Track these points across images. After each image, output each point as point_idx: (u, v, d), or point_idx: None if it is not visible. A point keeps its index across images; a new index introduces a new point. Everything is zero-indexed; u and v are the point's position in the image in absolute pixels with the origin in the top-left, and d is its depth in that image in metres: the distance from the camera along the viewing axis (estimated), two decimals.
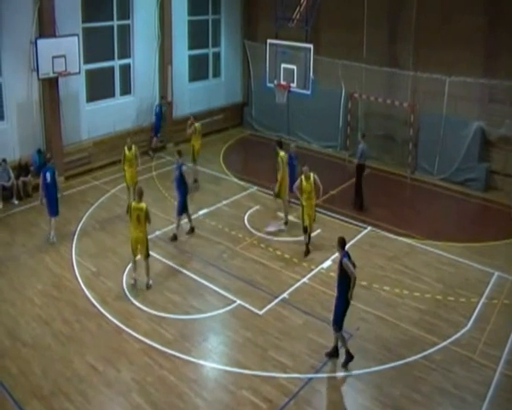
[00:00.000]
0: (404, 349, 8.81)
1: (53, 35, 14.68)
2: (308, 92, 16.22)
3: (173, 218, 12.54)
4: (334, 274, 10.84)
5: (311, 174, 11.64)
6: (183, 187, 12.02)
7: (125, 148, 13.47)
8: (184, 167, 12.13)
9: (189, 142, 15.63)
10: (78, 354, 8.55)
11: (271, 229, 12.80)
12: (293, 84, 16.41)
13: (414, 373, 8.33)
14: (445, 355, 8.71)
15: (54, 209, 11.89)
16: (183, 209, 12.17)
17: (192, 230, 12.47)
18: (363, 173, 14.06)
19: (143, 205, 10.07)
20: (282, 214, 13.35)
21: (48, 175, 11.71)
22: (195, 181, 15.11)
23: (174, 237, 12.17)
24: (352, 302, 9.92)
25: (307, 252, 11.71)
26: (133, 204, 10.13)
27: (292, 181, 12.46)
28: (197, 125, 15.50)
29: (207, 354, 8.73)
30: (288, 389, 7.94)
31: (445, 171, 16.02)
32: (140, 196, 10.13)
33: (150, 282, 10.45)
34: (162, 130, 18.02)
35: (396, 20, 16.81)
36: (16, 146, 14.66)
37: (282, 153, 13.05)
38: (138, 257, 10.46)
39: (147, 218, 10.12)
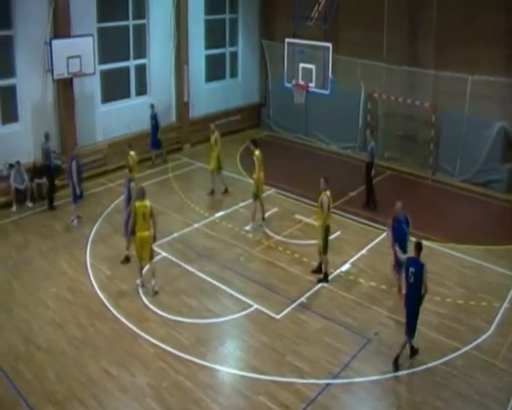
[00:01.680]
0: (424, 355, 8.75)
1: (68, 35, 14.84)
2: (327, 92, 16.19)
3: (190, 220, 12.61)
4: (353, 277, 10.96)
5: (323, 192, 10.66)
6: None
7: (131, 152, 13.43)
8: (132, 184, 11.46)
9: (210, 149, 15.01)
10: (92, 359, 8.65)
11: (249, 228, 12.80)
12: (312, 84, 16.41)
13: (435, 379, 8.28)
14: (466, 361, 8.65)
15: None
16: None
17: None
18: (373, 171, 14.03)
19: (147, 203, 10.17)
20: (299, 217, 13.34)
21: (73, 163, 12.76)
22: (226, 190, 14.91)
23: (126, 259, 11.41)
24: (370, 306, 10.04)
25: (316, 271, 11.15)
26: (137, 203, 10.17)
27: (402, 248, 9.99)
28: (217, 133, 14.98)
29: (223, 359, 8.77)
30: (305, 395, 7.94)
31: (467, 172, 15.86)
32: (143, 194, 10.25)
33: (156, 288, 10.39)
34: (159, 142, 17.15)
35: (416, 17, 16.69)
36: (31, 148, 14.82)
37: (257, 152, 12.89)
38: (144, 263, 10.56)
39: (151, 216, 10.18)
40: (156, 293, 10.35)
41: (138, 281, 10.58)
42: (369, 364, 8.59)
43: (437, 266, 11.43)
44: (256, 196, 12.93)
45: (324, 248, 10.66)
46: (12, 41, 14.34)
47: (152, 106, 17.02)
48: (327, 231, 10.63)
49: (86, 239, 12.46)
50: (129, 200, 11.36)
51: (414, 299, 8.41)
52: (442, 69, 15.83)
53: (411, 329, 8.46)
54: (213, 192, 14.86)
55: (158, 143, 17.00)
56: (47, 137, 14.03)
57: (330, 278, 10.93)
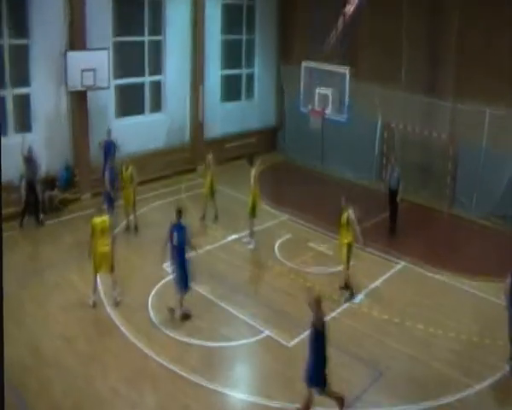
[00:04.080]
0: (437, 391, 8.88)
1: (83, 48, 15.19)
2: (343, 119, 16.54)
3: (202, 241, 12.85)
4: (367, 309, 11.18)
5: (346, 210, 11.28)
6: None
7: (123, 168, 13.98)
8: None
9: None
10: (100, 375, 8.86)
11: (252, 246, 13.30)
12: (328, 111, 16.71)
13: None
14: (481, 399, 8.77)
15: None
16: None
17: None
18: (399, 197, 14.65)
19: (105, 218, 10.73)
20: (313, 244, 13.63)
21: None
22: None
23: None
24: (382, 339, 10.23)
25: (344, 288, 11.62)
26: (95, 219, 10.65)
27: None
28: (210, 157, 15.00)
29: (233, 384, 8.95)
30: None
31: (484, 206, 16.06)
32: (100, 211, 10.96)
33: (118, 298, 10.89)
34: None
35: (436, 45, 16.98)
36: (43, 159, 15.07)
37: (252, 170, 13.25)
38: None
39: (109, 230, 10.75)
40: (118, 303, 10.79)
41: (92, 299, 10.78)
42: (381, 397, 8.74)
43: (451, 300, 11.69)
44: (253, 214, 13.29)
45: (348, 262, 11.36)
46: (28, 50, 14.74)
47: (109, 130, 15.72)
48: (350, 247, 11.28)
49: None
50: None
51: None
52: (460, 100, 16.06)
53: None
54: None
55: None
56: (30, 151, 13.85)
57: (342, 309, 11.13)
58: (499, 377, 9.27)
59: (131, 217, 14.14)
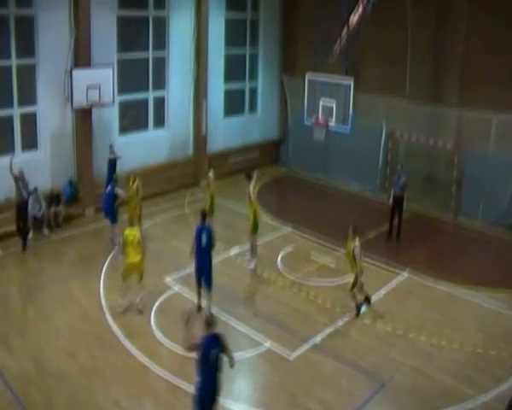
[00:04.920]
0: (440, 403, 8.90)
1: (88, 65, 15.46)
2: (347, 129, 16.66)
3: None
4: (369, 321, 11.24)
5: (351, 242, 11.14)
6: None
7: (130, 181, 14.45)
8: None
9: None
10: (102, 388, 8.97)
11: (252, 266, 13.19)
12: (332, 121, 16.84)
13: None
14: None
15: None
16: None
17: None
18: (404, 204, 14.78)
19: (136, 231, 11.13)
20: (316, 257, 13.71)
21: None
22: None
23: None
24: (385, 351, 10.27)
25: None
26: (127, 231, 11.07)
27: None
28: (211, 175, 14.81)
29: (234, 397, 9.01)
30: None
31: (491, 215, 16.10)
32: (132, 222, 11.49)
33: (140, 305, 11.22)
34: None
35: (440, 54, 17.14)
36: (48, 176, 15.44)
37: (250, 186, 13.17)
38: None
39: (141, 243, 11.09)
40: (141, 312, 11.12)
41: (125, 302, 11.16)
42: (384, 409, 8.79)
43: (456, 311, 11.72)
44: (255, 230, 13.17)
45: (353, 285, 11.25)
46: (34, 70, 15.05)
47: (111, 147, 16.09)
48: (357, 276, 11.16)
49: (100, 269, 12.91)
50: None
51: None
52: (466, 108, 16.11)
53: None
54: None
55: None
56: (21, 171, 13.61)
57: (344, 321, 11.20)
58: (504, 389, 9.25)
59: None
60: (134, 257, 11.03)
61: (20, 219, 13.69)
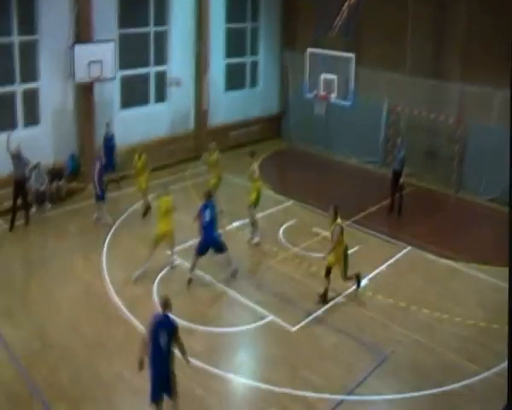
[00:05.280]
0: (442, 377, 8.78)
1: (90, 40, 15.25)
2: (349, 103, 16.42)
3: None
4: (371, 294, 11.08)
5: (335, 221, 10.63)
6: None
7: (136, 156, 14.22)
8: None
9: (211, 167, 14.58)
10: (105, 361, 8.89)
11: (256, 240, 12.99)
12: (333, 95, 16.60)
13: (453, 402, 8.31)
14: (487, 386, 8.62)
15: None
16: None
17: None
18: (402, 179, 14.52)
19: (170, 198, 11.46)
20: (318, 230, 13.50)
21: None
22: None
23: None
24: (387, 323, 10.13)
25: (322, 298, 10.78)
26: (161, 198, 11.44)
27: None
28: (218, 153, 14.47)
29: (236, 369, 8.94)
30: None
31: (493, 190, 15.83)
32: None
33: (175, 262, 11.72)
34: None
35: (443, 28, 16.78)
36: (50, 150, 15.29)
37: (254, 164, 13.02)
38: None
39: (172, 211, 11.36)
40: (175, 267, 11.56)
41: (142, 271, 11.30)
42: (385, 382, 8.66)
43: (458, 285, 11.56)
44: (256, 204, 13.00)
45: (345, 271, 10.72)
46: (36, 46, 14.84)
47: (108, 125, 15.97)
48: (345, 258, 10.69)
49: (102, 243, 12.77)
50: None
51: None
52: (468, 82, 15.84)
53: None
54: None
55: (114, 165, 15.84)
56: (18, 149, 13.15)
57: (347, 293, 11.07)
58: (506, 364, 9.11)
59: (142, 202, 14.34)
60: (166, 225, 11.24)
61: (19, 197, 13.34)
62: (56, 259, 12.07)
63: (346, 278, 10.80)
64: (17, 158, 13.12)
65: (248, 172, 13.12)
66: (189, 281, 11.15)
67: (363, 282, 11.37)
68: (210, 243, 11.14)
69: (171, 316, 7.22)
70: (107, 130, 15.78)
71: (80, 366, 8.76)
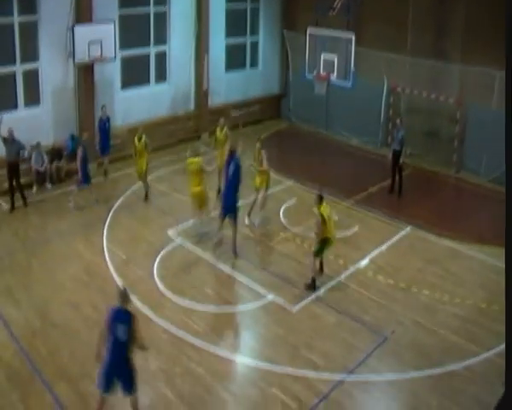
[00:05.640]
0: (442, 357, 8.64)
1: (90, 21, 15.01)
2: (349, 84, 16.16)
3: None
4: (372, 274, 10.91)
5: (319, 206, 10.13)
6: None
7: (135, 138, 13.70)
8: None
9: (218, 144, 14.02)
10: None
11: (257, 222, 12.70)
12: (334, 75, 16.36)
13: (452, 383, 8.17)
14: (486, 367, 8.49)
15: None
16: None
17: None
18: (401, 159, 14.31)
19: (197, 159, 11.69)
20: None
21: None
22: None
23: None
24: (387, 304, 9.98)
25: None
26: (189, 160, 11.72)
27: None
28: (226, 129, 14.08)
29: (237, 349, 8.83)
30: (318, 390, 7.93)
31: (494, 171, 15.57)
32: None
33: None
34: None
35: (444, 8, 16.33)
36: (51, 131, 15.08)
37: (263, 153, 12.61)
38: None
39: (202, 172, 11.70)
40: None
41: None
42: (385, 363, 8.52)
43: (458, 266, 11.36)
44: (267, 188, 12.73)
45: (317, 252, 10.24)
46: (36, 26, 14.57)
47: (103, 107, 15.32)
48: (324, 241, 10.14)
49: (103, 223, 12.59)
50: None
51: None
52: (469, 63, 15.51)
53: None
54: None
55: (109, 147, 15.37)
56: (11, 131, 12.87)
57: (347, 274, 10.90)
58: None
59: (142, 185, 13.96)
60: (196, 186, 11.53)
61: (12, 179, 13.03)
62: (57, 239, 11.89)
63: (314, 257, 10.24)
64: (10, 141, 12.80)
65: (258, 158, 12.67)
66: (218, 243, 11.35)
67: (364, 262, 11.21)
68: (228, 210, 11.11)
69: (129, 309, 6.87)
70: (102, 112, 15.29)
71: (80, 345, 8.61)
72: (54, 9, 14.56)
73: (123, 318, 6.69)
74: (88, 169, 13.48)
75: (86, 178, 13.32)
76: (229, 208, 11.10)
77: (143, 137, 13.77)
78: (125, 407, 7.03)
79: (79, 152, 13.12)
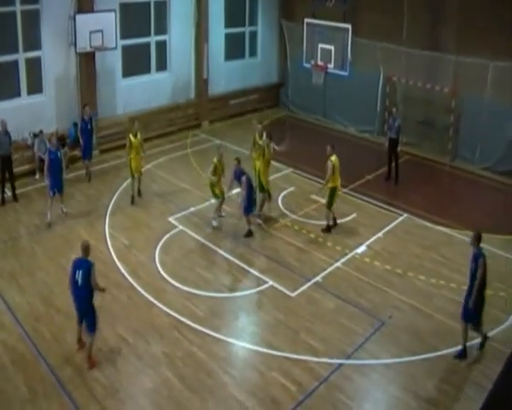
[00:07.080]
0: (438, 341, 8.56)
1: (91, 10, 14.80)
2: (346, 74, 15.98)
3: (207, 195, 12.48)
4: (369, 260, 10.79)
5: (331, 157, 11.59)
6: None
7: (130, 134, 12.75)
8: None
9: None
10: (108, 325, 8.62)
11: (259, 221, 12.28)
12: (331, 65, 16.18)
13: (448, 366, 8.09)
14: (481, 351, 8.41)
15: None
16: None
17: None
18: (399, 147, 14.33)
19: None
20: (316, 197, 13.10)
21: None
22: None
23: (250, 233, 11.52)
24: (385, 289, 9.89)
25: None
26: None
27: None
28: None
29: (238, 333, 8.71)
30: (318, 374, 7.84)
31: (487, 160, 15.45)
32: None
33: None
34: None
35: (439, 3, 16.07)
36: (53, 118, 14.89)
37: (272, 144, 12.42)
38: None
39: None
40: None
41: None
42: (383, 347, 8.44)
43: (454, 252, 11.22)
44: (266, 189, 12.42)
45: (329, 204, 11.62)
46: (39, 15, 14.32)
47: (85, 106, 14.16)
48: (332, 191, 11.46)
49: (105, 210, 12.44)
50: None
51: None
52: (463, 54, 15.28)
53: None
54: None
55: (90, 153, 14.12)
56: (4, 123, 12.43)
57: (345, 259, 10.79)
58: (502, 328, 8.90)
59: (136, 184, 13.06)
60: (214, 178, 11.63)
61: (4, 172, 12.59)
62: (60, 225, 11.73)
63: (327, 209, 11.69)
64: (2, 134, 12.42)
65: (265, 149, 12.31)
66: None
67: (361, 249, 11.10)
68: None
69: (89, 259, 7.67)
70: (84, 111, 14.04)
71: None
72: None
73: (82, 265, 7.62)
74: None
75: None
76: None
77: (138, 134, 12.82)
78: (129, 392, 6.89)
79: (46, 157, 11.72)
